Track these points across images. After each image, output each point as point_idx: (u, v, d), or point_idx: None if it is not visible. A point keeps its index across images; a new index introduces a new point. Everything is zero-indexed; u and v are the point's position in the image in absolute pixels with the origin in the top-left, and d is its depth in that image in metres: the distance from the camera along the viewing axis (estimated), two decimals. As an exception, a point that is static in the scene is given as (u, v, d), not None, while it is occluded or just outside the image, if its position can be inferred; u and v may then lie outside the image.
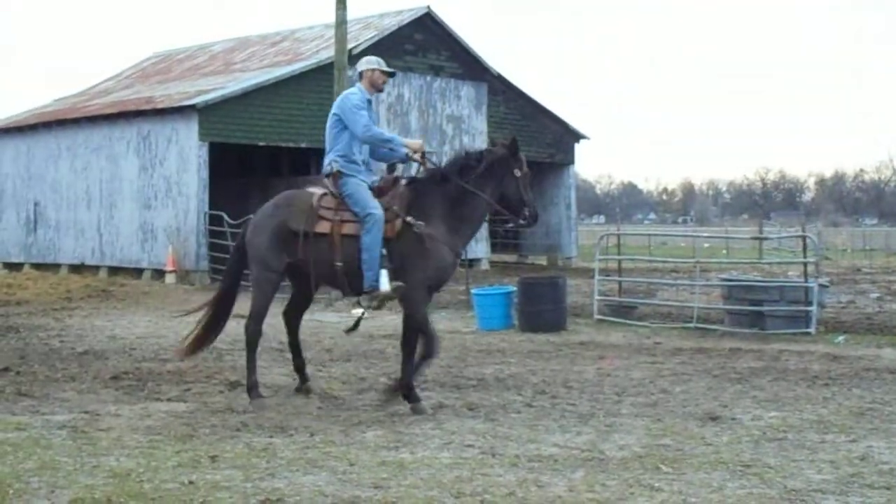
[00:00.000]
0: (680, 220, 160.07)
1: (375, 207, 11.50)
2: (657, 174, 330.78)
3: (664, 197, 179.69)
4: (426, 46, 41.20)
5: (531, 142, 45.07)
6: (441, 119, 41.96)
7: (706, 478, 8.35)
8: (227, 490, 7.83)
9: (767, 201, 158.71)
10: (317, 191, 11.99)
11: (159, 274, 33.56)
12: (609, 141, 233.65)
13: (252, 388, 11.64)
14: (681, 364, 14.72)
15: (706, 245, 61.37)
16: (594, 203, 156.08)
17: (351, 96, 12.12)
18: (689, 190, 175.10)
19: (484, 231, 42.65)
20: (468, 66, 42.56)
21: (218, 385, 12.84)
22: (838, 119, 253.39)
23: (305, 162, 38.68)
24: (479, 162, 11.97)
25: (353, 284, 11.82)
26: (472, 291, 21.51)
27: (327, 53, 33.84)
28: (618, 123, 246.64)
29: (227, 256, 30.26)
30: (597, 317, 20.62)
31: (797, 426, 10.49)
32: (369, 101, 12.19)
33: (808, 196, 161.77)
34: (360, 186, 11.74)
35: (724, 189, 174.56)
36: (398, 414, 11.00)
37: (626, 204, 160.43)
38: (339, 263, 11.60)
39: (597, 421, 10.66)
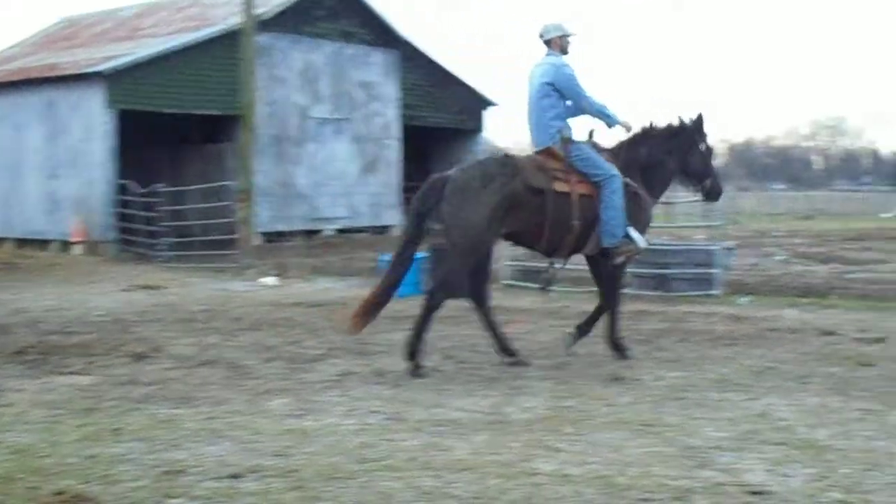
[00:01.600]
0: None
1: (614, 169, 12.15)
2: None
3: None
4: (337, 13, 40.96)
5: (440, 108, 45.15)
6: (352, 85, 41.80)
7: (607, 438, 8.44)
8: (130, 462, 7.77)
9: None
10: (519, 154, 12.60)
11: (67, 245, 33.22)
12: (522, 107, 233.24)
13: (414, 354, 11.57)
14: (587, 327, 14.83)
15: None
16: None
17: (564, 68, 12.39)
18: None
19: (395, 198, 42.70)
20: (379, 32, 42.42)
21: (123, 357, 12.67)
22: (749, 85, 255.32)
23: (216, 129, 38.37)
24: (669, 136, 12.84)
25: (579, 244, 12.19)
26: (381, 258, 21.46)
27: (236, 19, 33.59)
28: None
29: (137, 226, 30.27)
30: (507, 281, 20.71)
31: (698, 385, 10.63)
32: None
33: (718, 161, 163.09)
34: (591, 151, 12.29)
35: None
36: (304, 382, 11.00)
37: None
38: (575, 222, 11.93)
39: (502, 384, 10.73)
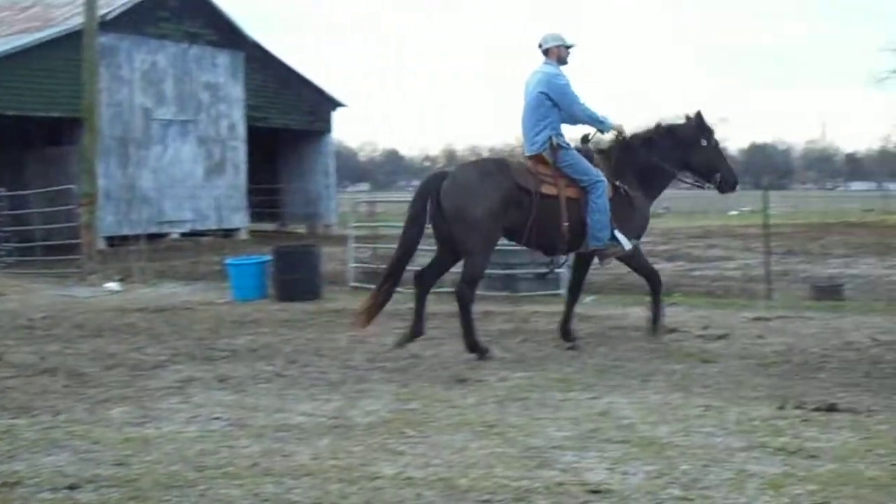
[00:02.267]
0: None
1: (600, 175, 12.79)
2: (420, 142, 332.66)
3: (427, 163, 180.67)
4: (182, 13, 40.70)
5: (289, 110, 45.09)
6: (197, 87, 41.48)
7: (450, 439, 8.46)
8: (-36, 474, 7.64)
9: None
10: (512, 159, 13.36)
11: None
12: (373, 109, 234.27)
13: (475, 346, 12.35)
14: (433, 328, 14.77)
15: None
16: (357, 171, 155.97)
17: (558, 77, 12.99)
18: (451, 156, 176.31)
19: (242, 200, 42.46)
20: (225, 33, 42.22)
21: (-38, 366, 12.45)
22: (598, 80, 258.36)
23: (59, 131, 37.80)
24: (665, 136, 13.58)
25: (571, 244, 12.97)
26: (227, 261, 21.35)
27: (79, 20, 33.14)
28: (382, 91, 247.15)
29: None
30: (352, 284, 20.71)
31: (542, 385, 10.71)
32: None
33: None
34: (579, 156, 12.91)
35: (487, 154, 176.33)
36: (146, 389, 10.87)
37: (389, 171, 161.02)
38: (564, 224, 12.62)
39: (346, 388, 10.71)
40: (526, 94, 13.13)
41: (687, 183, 14.59)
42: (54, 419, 9.51)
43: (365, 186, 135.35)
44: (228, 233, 40.65)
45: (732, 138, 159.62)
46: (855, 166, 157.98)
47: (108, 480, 7.40)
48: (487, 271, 19.01)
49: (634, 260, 13.46)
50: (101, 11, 30.36)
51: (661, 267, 25.96)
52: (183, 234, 39.64)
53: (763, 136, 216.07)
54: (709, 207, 66.09)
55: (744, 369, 11.61)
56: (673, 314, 15.92)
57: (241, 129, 43.30)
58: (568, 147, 12.93)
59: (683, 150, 13.62)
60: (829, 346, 13.17)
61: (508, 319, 15.75)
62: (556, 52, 13.14)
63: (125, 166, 38.28)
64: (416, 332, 12.79)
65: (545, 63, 13.12)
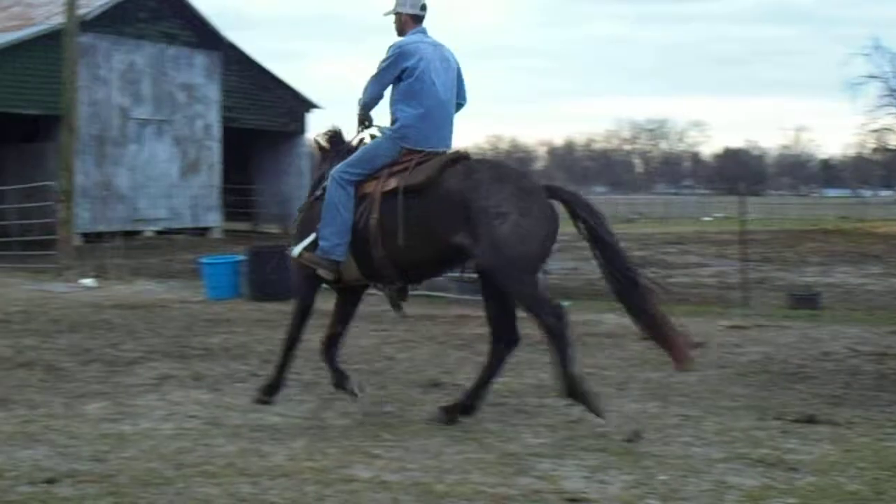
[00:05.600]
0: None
1: None
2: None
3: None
4: (160, 14, 40.73)
5: (264, 111, 45.13)
6: (174, 87, 41.49)
7: (425, 444, 8.49)
8: (-58, 467, 7.68)
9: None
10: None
11: None
12: (347, 111, 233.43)
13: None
14: (407, 331, 14.91)
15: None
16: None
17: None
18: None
19: (216, 200, 42.44)
20: (202, 34, 42.23)
21: (-65, 363, 12.46)
22: (571, 85, 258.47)
23: (35, 129, 37.86)
24: None
25: None
26: (201, 260, 21.37)
27: (59, 19, 33.21)
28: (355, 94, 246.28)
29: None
30: (324, 285, 20.69)
31: (518, 391, 10.74)
32: None
33: (539, 164, 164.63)
34: None
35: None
36: (122, 385, 10.93)
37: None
38: None
39: (321, 389, 10.71)
40: (435, 69, 9.68)
41: None
42: (31, 413, 9.56)
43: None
44: (202, 231, 40.65)
45: (705, 143, 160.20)
46: (830, 172, 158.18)
47: (86, 476, 7.44)
48: (461, 274, 19.19)
49: None
50: (81, 11, 30.31)
51: (636, 274, 26.11)
52: (157, 232, 39.64)
53: (736, 141, 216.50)
54: (683, 213, 66.16)
55: (722, 378, 11.57)
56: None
57: (217, 130, 43.32)
58: None
59: None
60: (807, 356, 13.17)
61: (482, 323, 15.68)
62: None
63: (102, 164, 38.31)
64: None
65: (423, 31, 10.03)
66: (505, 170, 9.56)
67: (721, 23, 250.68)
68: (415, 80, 9.59)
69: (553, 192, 9.36)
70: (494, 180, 9.05)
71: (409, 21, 9.99)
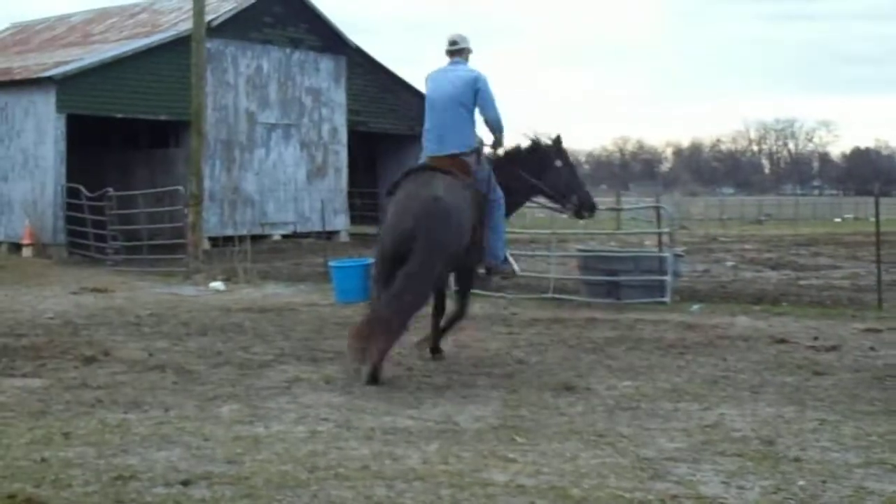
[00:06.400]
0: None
1: (499, 191, 12.57)
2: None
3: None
4: (285, 19, 40.94)
5: (389, 115, 45.15)
6: (300, 91, 41.73)
7: (560, 448, 8.39)
8: (80, 467, 7.71)
9: (626, 172, 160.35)
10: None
11: (16, 248, 33.22)
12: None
13: None
14: (537, 335, 14.81)
15: (563, 216, 61.60)
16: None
17: (483, 77, 12.46)
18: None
19: (343, 203, 42.66)
20: (327, 38, 42.38)
21: (73, 360, 12.58)
22: (695, 88, 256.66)
23: (164, 135, 38.40)
24: (526, 154, 13.19)
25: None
26: (330, 264, 21.42)
27: (186, 25, 33.61)
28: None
29: (87, 230, 30.12)
30: (455, 288, 20.65)
31: (651, 395, 10.59)
32: None
33: (666, 166, 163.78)
34: (490, 169, 12.57)
35: (584, 160, 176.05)
36: (253, 388, 10.93)
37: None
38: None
39: (452, 393, 10.69)
40: (436, 91, 12.74)
41: (538, 204, 14.45)
42: (165, 415, 9.61)
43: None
44: (329, 235, 40.83)
45: (834, 143, 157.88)
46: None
47: (221, 477, 7.44)
48: (590, 277, 19.09)
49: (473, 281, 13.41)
50: (208, 18, 30.58)
51: (767, 276, 25.79)
52: (284, 236, 39.88)
53: (866, 141, 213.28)
54: (813, 214, 65.34)
55: (857, 382, 11.33)
56: (781, 324, 15.73)
57: (343, 133, 43.46)
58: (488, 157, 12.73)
59: (538, 171, 13.16)
60: (946, 360, 12.83)
61: (613, 327, 15.61)
62: (467, 53, 12.76)
63: (229, 169, 38.62)
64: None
65: (456, 62, 12.70)
66: None
67: (853, 21, 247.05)
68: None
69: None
70: None
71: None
